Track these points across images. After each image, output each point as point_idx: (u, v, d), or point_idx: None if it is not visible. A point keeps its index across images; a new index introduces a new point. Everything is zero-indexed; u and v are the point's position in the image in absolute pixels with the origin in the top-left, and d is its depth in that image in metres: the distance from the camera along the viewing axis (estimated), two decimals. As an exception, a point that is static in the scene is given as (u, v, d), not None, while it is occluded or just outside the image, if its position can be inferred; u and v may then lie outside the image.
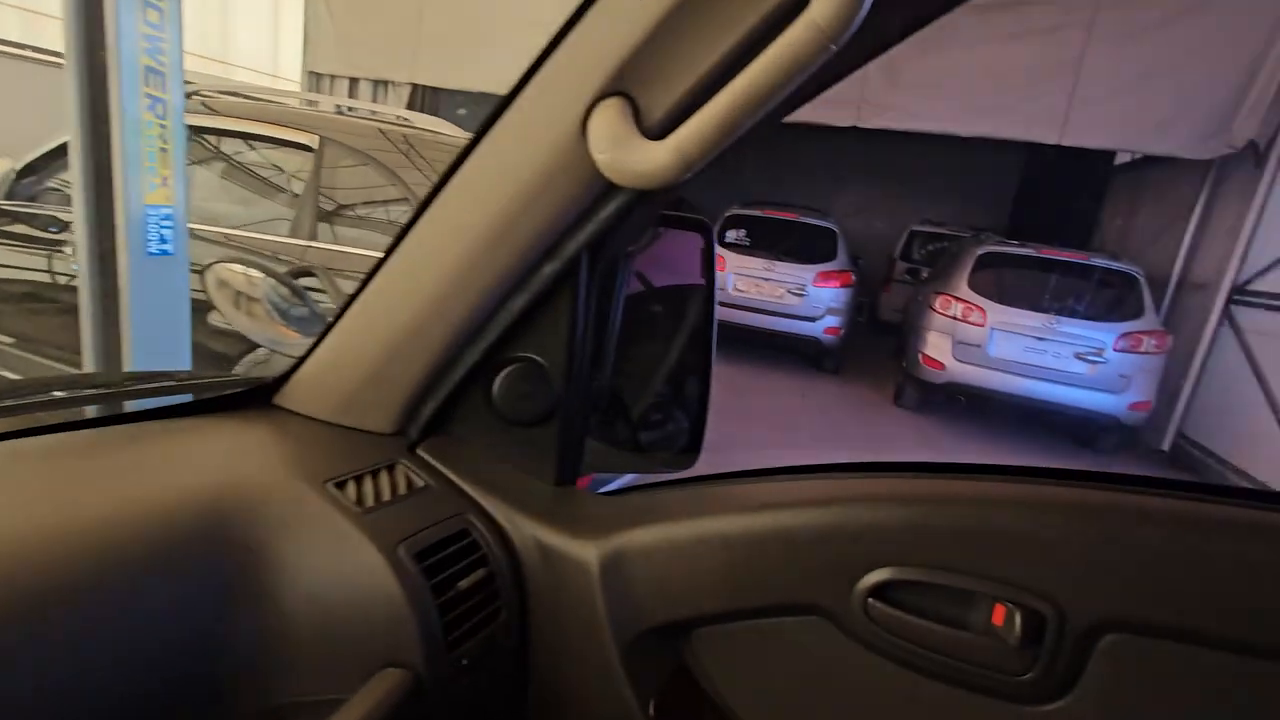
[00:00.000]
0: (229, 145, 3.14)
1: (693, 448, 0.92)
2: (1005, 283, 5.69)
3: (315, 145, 2.96)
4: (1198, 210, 6.20)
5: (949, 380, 5.60)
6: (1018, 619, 0.55)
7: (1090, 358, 5.25)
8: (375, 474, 0.67)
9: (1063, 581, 0.55)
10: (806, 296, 6.56)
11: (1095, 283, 5.58)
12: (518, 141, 0.58)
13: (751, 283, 6.66)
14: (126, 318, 1.80)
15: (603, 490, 0.77)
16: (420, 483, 0.68)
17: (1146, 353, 5.21)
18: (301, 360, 0.73)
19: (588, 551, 0.66)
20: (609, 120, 0.52)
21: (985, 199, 11.65)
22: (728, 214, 7.19)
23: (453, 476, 0.71)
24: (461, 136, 3.33)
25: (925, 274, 8.01)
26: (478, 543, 0.66)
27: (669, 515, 0.68)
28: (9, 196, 3.08)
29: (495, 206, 0.60)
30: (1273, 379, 4.99)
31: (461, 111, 8.08)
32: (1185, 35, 5.50)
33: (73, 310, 1.83)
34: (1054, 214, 9.33)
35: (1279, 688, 0.51)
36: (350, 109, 4.07)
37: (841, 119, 6.35)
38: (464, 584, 0.62)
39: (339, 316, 0.70)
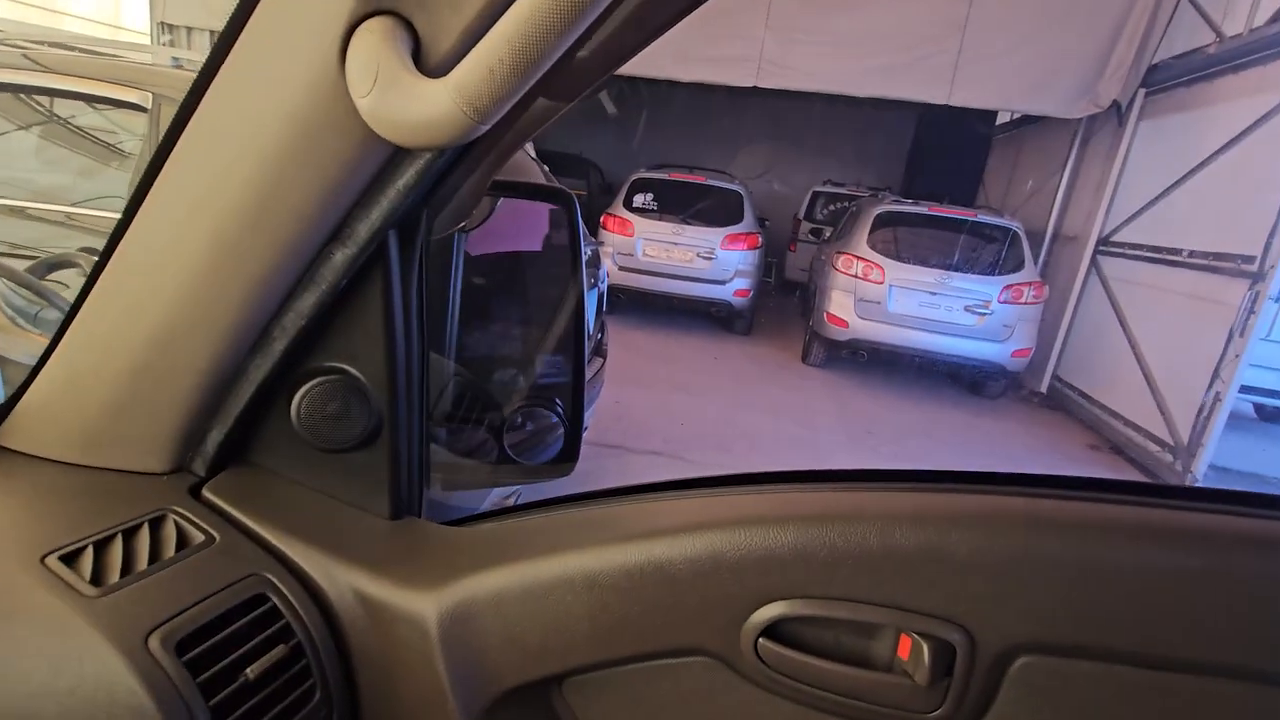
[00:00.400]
0: (66, 109, 2.69)
1: (568, 455, 0.80)
2: (901, 240, 5.90)
3: (149, 106, 2.57)
4: (1068, 167, 6.63)
5: (853, 337, 5.79)
6: (925, 652, 0.48)
7: (978, 310, 5.55)
8: (131, 533, 0.51)
9: (973, 604, 0.48)
10: (715, 260, 6.55)
11: (981, 238, 5.88)
12: (258, 81, 0.43)
13: (660, 248, 6.58)
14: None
15: (453, 519, 0.64)
16: (200, 537, 0.53)
17: (1027, 303, 5.57)
18: (25, 385, 0.55)
19: (424, 604, 0.54)
20: (371, 49, 0.38)
21: (882, 159, 12.06)
22: (634, 178, 7.04)
23: (250, 522, 0.56)
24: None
25: (828, 233, 8.21)
26: (278, 609, 0.52)
27: (527, 550, 0.56)
28: None
29: (242, 174, 0.45)
30: (1132, 322, 5.46)
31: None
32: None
33: None
34: (944, 173, 9.77)
35: (1195, 702, 0.46)
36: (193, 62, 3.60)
37: (741, 79, 6.30)
38: (253, 671, 0.48)
39: (65, 325, 0.53)
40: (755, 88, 6.39)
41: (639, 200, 6.87)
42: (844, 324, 5.77)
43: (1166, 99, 5.60)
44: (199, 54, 6.74)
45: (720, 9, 5.89)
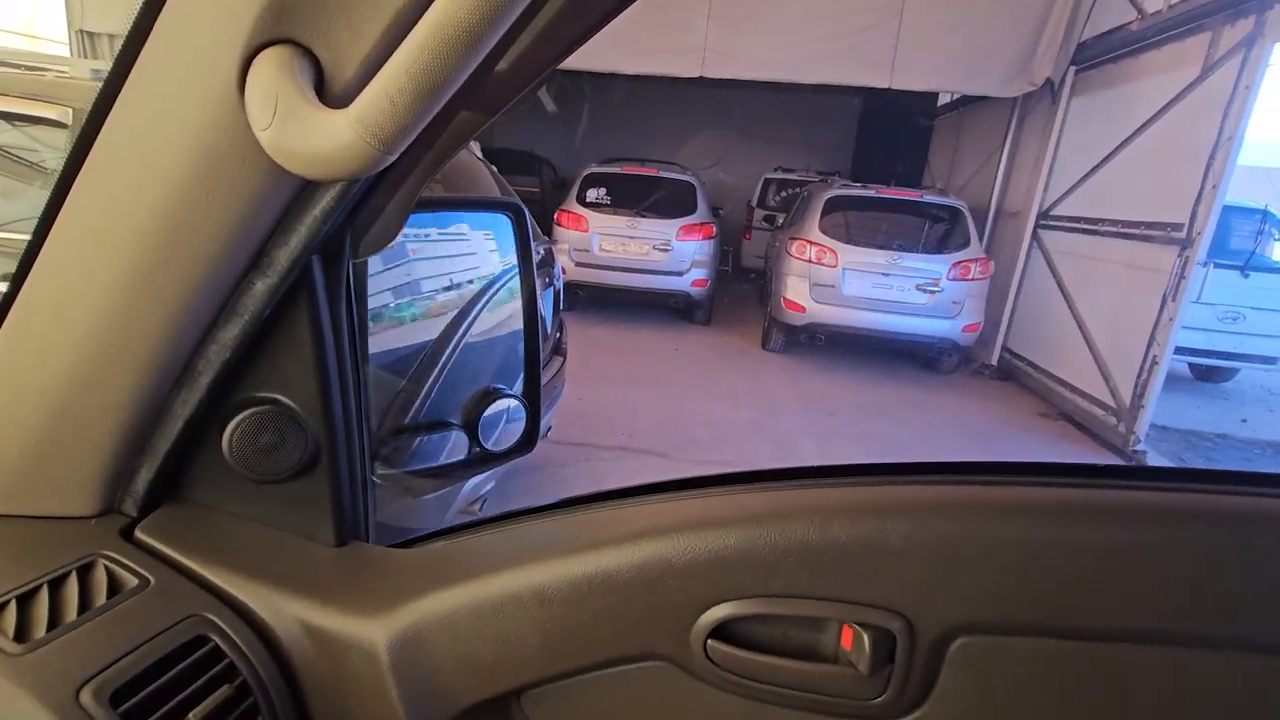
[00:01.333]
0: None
1: (530, 435, 0.84)
2: (852, 224, 6.01)
3: (69, 121, 2.46)
4: (1007, 145, 6.84)
5: (810, 321, 5.88)
6: (867, 641, 0.50)
7: (929, 288, 5.69)
8: (58, 583, 0.49)
9: (909, 591, 0.50)
10: (671, 251, 6.57)
11: (928, 218, 6.04)
12: (158, 111, 0.41)
13: (616, 242, 6.57)
14: None
15: (401, 541, 0.63)
16: (133, 581, 0.52)
17: (974, 279, 5.74)
18: None
19: (373, 631, 0.53)
20: (269, 80, 0.37)
21: (831, 144, 12.25)
22: (586, 172, 7.00)
23: (187, 561, 0.55)
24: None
25: (782, 220, 8.30)
26: (220, 649, 0.50)
27: (475, 569, 0.56)
28: None
29: (148, 207, 0.43)
30: (1074, 292, 5.68)
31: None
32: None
33: None
34: (890, 155, 9.98)
35: (1121, 668, 0.49)
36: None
37: (687, 69, 6.32)
38: (196, 715, 0.47)
39: None
40: (702, 77, 6.41)
41: (592, 195, 6.84)
42: (801, 309, 5.86)
43: (1096, 76, 5.82)
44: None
45: (662, 2, 5.89)
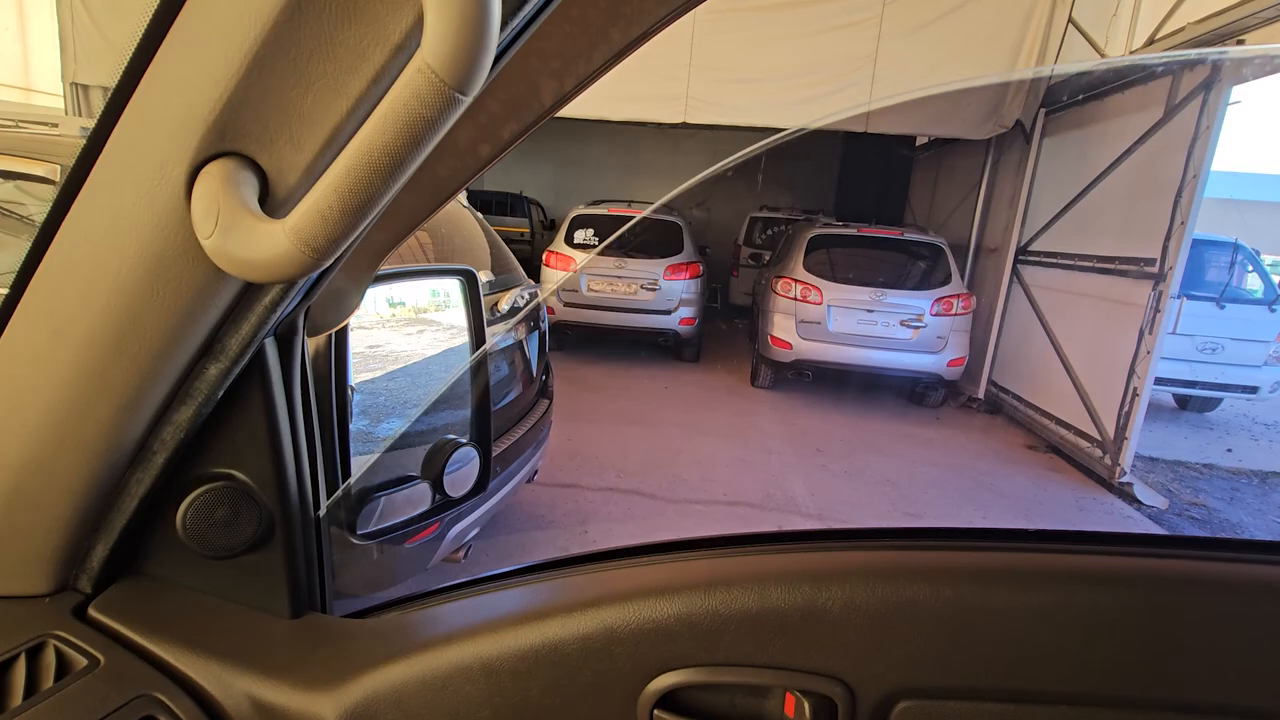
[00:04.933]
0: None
1: (483, 478, 0.89)
2: (836, 262, 6.12)
3: (56, 179, 2.50)
4: (984, 183, 7.03)
5: (797, 358, 5.93)
6: (808, 708, 0.50)
7: (913, 324, 5.77)
8: (6, 666, 0.49)
9: (849, 657, 0.51)
10: (659, 290, 6.65)
11: (910, 255, 6.15)
12: (111, 210, 0.44)
13: (604, 282, 6.65)
14: None
15: (357, 611, 0.64)
16: (83, 662, 0.52)
17: (957, 314, 5.82)
18: None
19: (322, 707, 0.53)
20: (213, 192, 0.39)
21: (814, 183, 12.54)
22: (573, 214, 7.12)
23: (139, 638, 0.55)
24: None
25: (768, 257, 8.43)
26: None
27: (427, 641, 0.57)
28: None
29: (102, 298, 0.45)
30: (1055, 326, 5.77)
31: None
32: (956, 30, 6.19)
33: None
34: (871, 194, 10.21)
35: None
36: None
37: (670, 115, 6.49)
38: None
39: None
40: (685, 123, 6.59)
41: (580, 236, 6.94)
42: (787, 345, 5.92)
43: (1065, 117, 6.02)
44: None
45: (644, 52, 6.08)
